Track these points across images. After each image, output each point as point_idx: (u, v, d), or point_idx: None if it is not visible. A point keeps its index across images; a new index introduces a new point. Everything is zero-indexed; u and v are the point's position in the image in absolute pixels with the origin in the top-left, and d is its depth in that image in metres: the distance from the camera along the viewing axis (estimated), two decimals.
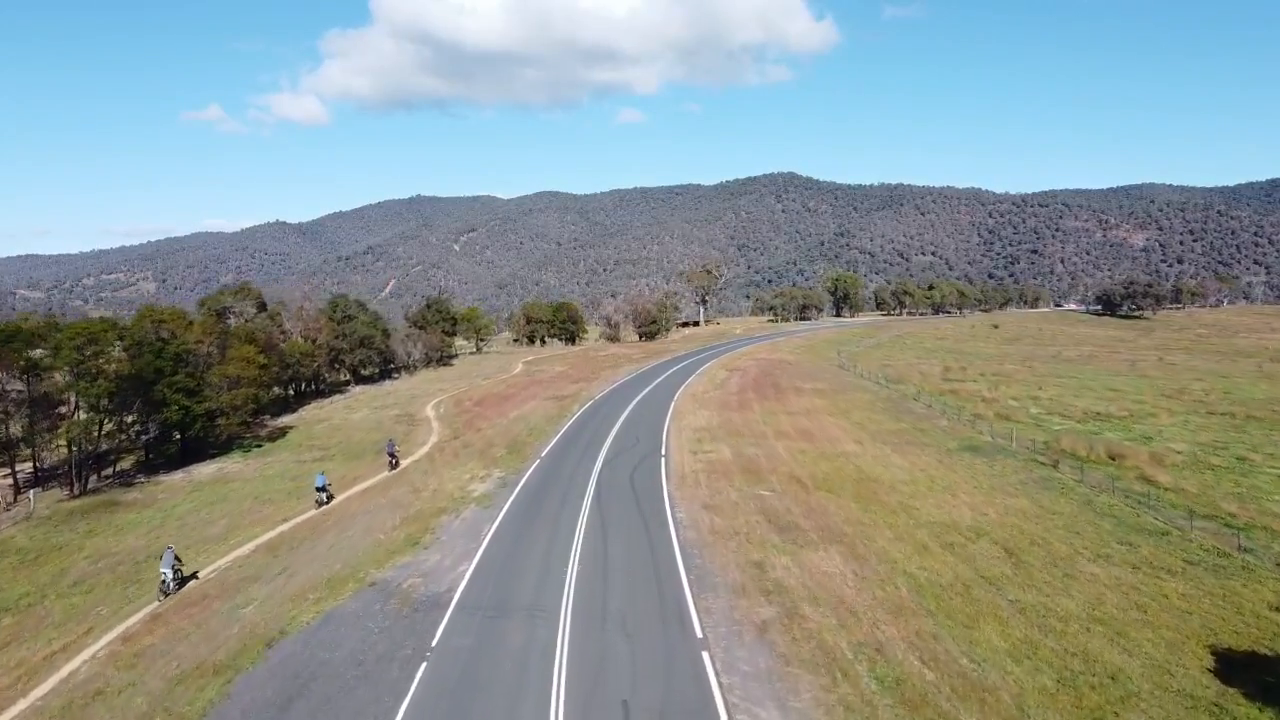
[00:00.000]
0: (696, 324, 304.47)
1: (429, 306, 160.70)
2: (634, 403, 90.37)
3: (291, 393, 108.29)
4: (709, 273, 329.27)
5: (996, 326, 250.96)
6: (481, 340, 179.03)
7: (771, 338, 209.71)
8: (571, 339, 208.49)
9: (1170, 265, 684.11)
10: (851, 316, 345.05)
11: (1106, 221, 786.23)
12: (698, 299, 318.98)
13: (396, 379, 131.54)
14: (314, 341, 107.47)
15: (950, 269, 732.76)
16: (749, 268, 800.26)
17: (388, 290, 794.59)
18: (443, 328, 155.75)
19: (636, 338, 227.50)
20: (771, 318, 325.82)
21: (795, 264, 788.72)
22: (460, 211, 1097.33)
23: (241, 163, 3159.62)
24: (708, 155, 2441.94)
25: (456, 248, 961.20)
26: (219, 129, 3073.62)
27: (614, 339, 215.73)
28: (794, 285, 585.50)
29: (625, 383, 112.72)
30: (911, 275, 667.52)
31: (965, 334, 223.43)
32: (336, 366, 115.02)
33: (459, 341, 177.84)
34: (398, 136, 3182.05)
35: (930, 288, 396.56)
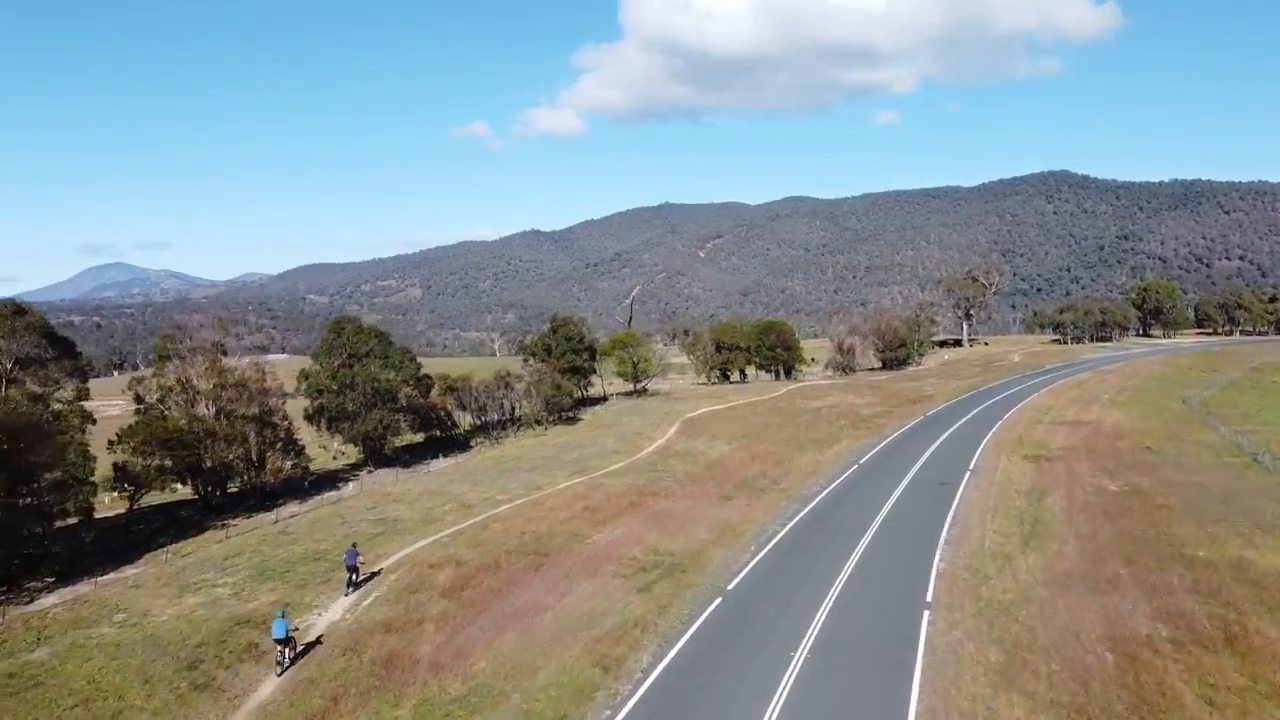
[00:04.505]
0: (958, 343, 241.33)
1: (554, 330, 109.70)
2: (807, 647, 34.54)
3: (204, 497, 60.25)
4: (976, 281, 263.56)
5: None
6: (643, 377, 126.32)
7: (1070, 370, 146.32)
8: (786, 371, 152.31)
9: None
10: (1167, 337, 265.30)
11: None
12: (960, 312, 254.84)
13: (466, 454, 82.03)
14: (224, 412, 59.25)
15: (1264, 276, 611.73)
16: (1015, 275, 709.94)
17: (633, 296, 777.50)
18: (571, 362, 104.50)
19: (878, 364, 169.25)
20: (1056, 338, 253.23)
21: (1069, 270, 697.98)
22: (706, 218, 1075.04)
23: (503, 175, 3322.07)
24: (968, 155, 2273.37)
25: (702, 254, 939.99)
26: (485, 145, 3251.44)
27: (846, 369, 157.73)
28: (1068, 294, 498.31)
29: (829, 501, 56.85)
30: (1214, 283, 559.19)
31: None
32: (279, 453, 64.10)
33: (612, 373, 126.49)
34: (648, 145, 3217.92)
35: (1271, 299, 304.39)
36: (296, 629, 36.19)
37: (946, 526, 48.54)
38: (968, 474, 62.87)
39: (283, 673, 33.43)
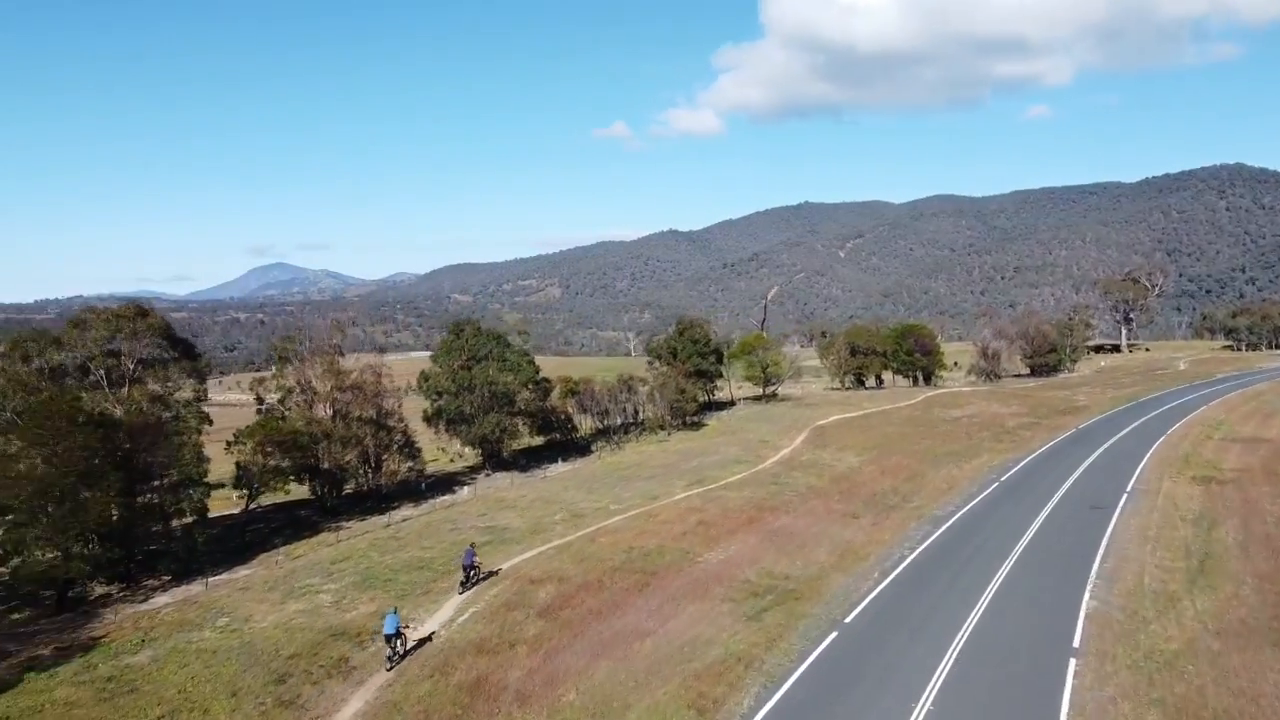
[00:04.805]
0: (1116, 348, 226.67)
1: (680, 332, 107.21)
2: (930, 698, 30.95)
3: (320, 498, 60.39)
4: (1137, 282, 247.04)
5: None
6: (773, 382, 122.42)
7: (1245, 379, 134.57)
8: (925, 377, 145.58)
9: None
10: None
11: None
12: (1118, 316, 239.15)
13: (585, 459, 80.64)
14: (340, 414, 59.10)
15: None
16: (1181, 276, 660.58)
17: (770, 296, 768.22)
18: (697, 365, 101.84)
19: (1026, 370, 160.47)
20: (1228, 344, 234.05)
21: (1244, 271, 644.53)
22: (847, 217, 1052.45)
23: (641, 175, 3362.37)
24: (1129, 149, 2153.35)
25: (842, 254, 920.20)
26: (625, 146, 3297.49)
27: (990, 375, 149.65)
28: (1242, 297, 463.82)
29: (964, 523, 52.44)
30: None
31: None
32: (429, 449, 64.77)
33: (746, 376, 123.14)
34: (787, 144, 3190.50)
35: None
36: (408, 625, 36.20)
37: (1099, 558, 43.53)
38: (1124, 497, 57.01)
39: (392, 668, 33.59)
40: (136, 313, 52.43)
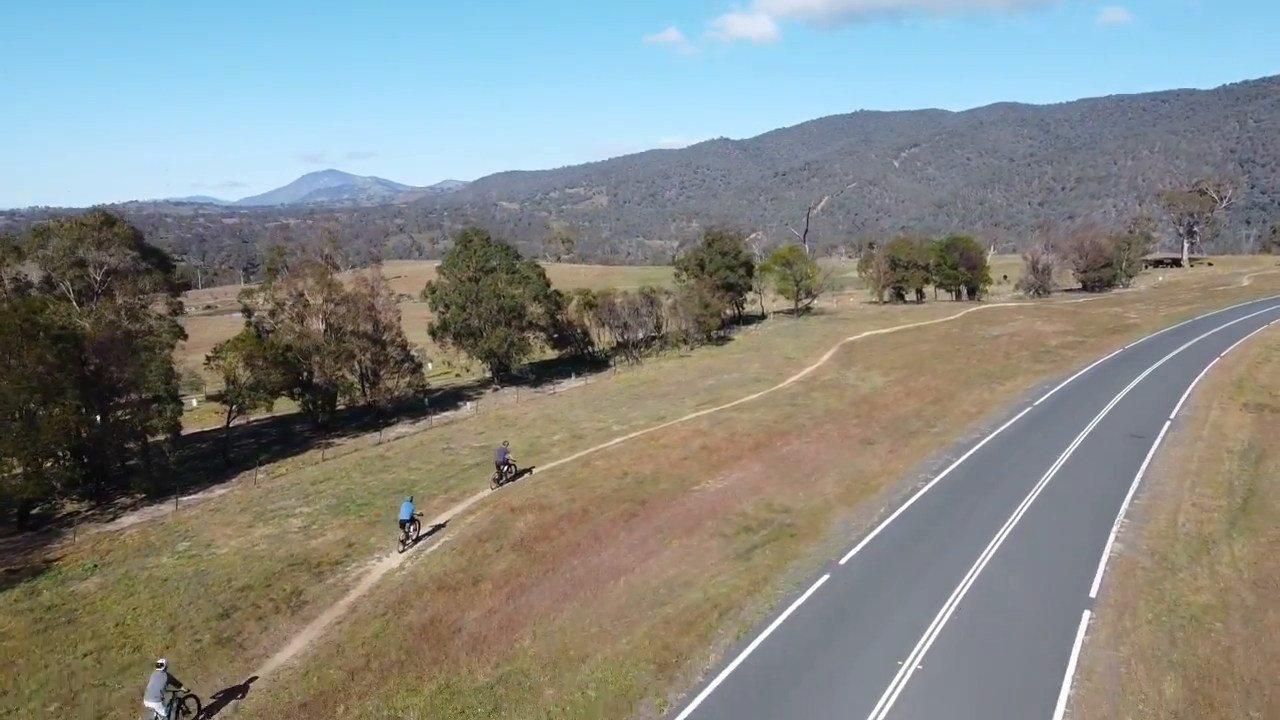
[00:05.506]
0: (1176, 263, 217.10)
1: (708, 244, 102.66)
2: (920, 656, 28.13)
3: (311, 414, 58.08)
4: (1203, 193, 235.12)
5: None
6: (809, 297, 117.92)
7: None
8: (970, 291, 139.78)
9: None
10: None
11: None
12: (1182, 229, 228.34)
13: (600, 374, 77.81)
14: (331, 326, 56.37)
15: None
16: (1253, 188, 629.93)
17: (819, 207, 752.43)
18: (725, 278, 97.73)
19: (1078, 285, 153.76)
20: None
21: None
22: (904, 126, 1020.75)
23: (694, 83, 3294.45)
24: (1210, 57, 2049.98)
25: (896, 164, 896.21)
26: (677, 51, 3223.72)
27: (1039, 290, 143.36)
28: None
29: (989, 451, 48.95)
30: None
31: None
32: (394, 367, 60.42)
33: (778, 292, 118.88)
34: (845, 51, 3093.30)
35: None
36: (422, 514, 37.70)
37: (1130, 495, 39.83)
38: (1167, 424, 52.83)
39: (404, 551, 35.52)
40: (103, 221, 49.74)
